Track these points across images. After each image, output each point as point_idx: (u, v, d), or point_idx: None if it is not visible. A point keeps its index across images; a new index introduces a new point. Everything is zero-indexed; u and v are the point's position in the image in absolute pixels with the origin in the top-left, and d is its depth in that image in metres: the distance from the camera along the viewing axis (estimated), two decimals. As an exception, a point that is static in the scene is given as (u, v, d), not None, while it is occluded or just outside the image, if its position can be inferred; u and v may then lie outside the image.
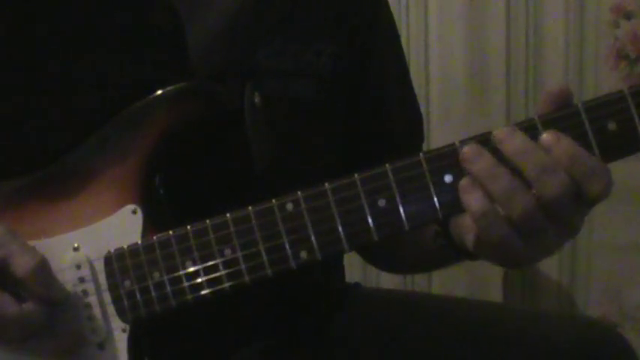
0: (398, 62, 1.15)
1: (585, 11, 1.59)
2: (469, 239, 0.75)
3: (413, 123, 1.16)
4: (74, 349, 0.83)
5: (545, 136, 0.68)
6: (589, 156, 0.68)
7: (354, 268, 1.18)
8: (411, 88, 1.16)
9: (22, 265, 0.78)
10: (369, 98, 1.07)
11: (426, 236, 0.91)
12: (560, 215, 0.69)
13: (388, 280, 1.65)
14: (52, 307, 0.80)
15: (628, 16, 1.57)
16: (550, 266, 1.69)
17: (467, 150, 0.70)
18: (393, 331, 1.08)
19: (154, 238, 0.81)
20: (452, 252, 0.84)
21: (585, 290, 1.68)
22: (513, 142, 0.69)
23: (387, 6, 1.11)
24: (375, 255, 1.17)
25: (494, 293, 1.70)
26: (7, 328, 0.78)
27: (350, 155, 1.04)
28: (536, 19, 1.62)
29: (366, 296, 1.18)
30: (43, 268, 0.79)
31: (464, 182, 0.70)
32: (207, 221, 0.79)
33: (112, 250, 0.83)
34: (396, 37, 1.14)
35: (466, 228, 0.75)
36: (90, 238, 0.84)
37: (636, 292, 1.65)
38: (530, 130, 0.69)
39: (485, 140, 0.70)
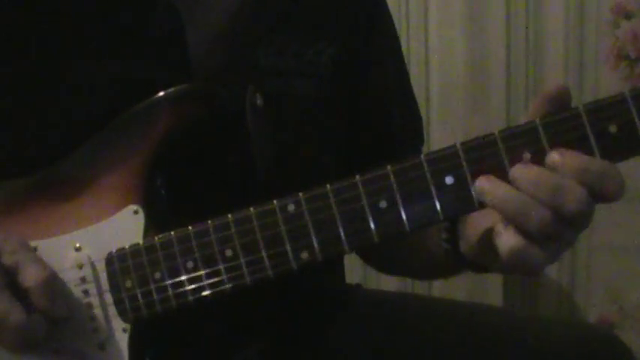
0: (397, 63, 1.15)
1: (585, 11, 1.59)
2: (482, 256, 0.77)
3: (412, 123, 1.16)
4: (75, 349, 0.83)
5: (551, 156, 0.68)
6: (595, 161, 0.68)
7: (355, 269, 1.18)
8: (410, 89, 1.16)
9: (30, 275, 0.78)
10: (369, 98, 1.07)
11: (431, 249, 0.91)
12: (580, 222, 0.70)
13: (389, 282, 1.65)
14: (54, 323, 0.80)
15: (628, 16, 1.57)
16: (550, 267, 1.68)
17: (477, 185, 0.70)
18: (393, 333, 1.08)
19: (156, 238, 0.81)
20: (462, 266, 0.85)
21: (585, 291, 1.68)
22: (528, 177, 0.69)
23: (386, 7, 1.12)
24: (376, 257, 1.17)
25: (494, 294, 1.70)
26: (8, 335, 0.78)
27: (350, 155, 1.04)
28: (536, 19, 1.62)
29: (366, 297, 1.18)
30: (50, 282, 0.79)
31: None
32: (209, 222, 0.79)
33: (114, 251, 0.83)
34: (395, 37, 1.15)
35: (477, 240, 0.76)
36: (92, 239, 0.84)
37: (636, 293, 1.65)
38: (532, 133, 0.69)
39: (487, 143, 0.70)
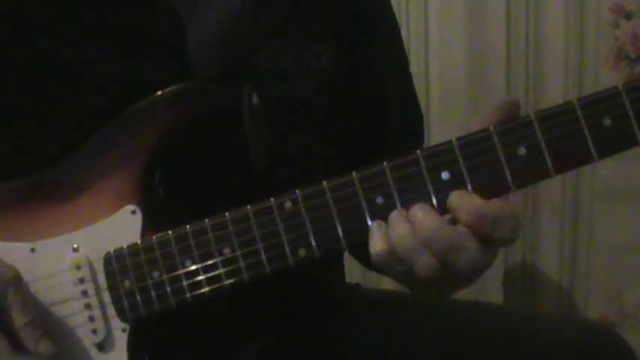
0: (399, 64, 1.14)
1: (585, 11, 1.59)
2: None
3: (413, 124, 1.16)
4: (74, 349, 0.83)
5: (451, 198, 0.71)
6: (489, 204, 0.70)
7: (354, 269, 1.18)
8: (412, 89, 1.16)
9: (16, 319, 0.79)
10: (369, 100, 1.07)
11: None
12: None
13: (388, 281, 1.65)
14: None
15: (628, 16, 1.57)
16: (550, 266, 1.69)
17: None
18: (393, 332, 1.08)
19: (154, 238, 0.81)
20: None
21: (585, 290, 1.68)
22: (423, 222, 0.71)
23: (389, 7, 1.11)
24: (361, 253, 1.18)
25: (494, 293, 1.70)
26: None
27: (349, 156, 1.04)
28: (536, 19, 1.62)
29: (366, 297, 1.18)
30: (33, 326, 0.80)
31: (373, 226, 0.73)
32: (206, 221, 0.79)
33: (112, 251, 0.83)
34: (397, 38, 1.14)
35: None
36: (89, 239, 0.84)
37: (636, 292, 1.65)
38: (527, 128, 0.69)
39: (482, 138, 0.70)
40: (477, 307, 1.18)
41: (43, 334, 0.81)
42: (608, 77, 1.60)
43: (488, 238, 0.70)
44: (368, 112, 1.07)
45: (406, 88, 1.15)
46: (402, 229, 0.71)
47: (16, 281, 0.81)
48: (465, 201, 0.70)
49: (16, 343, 0.79)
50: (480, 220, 0.69)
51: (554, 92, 1.63)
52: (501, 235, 0.69)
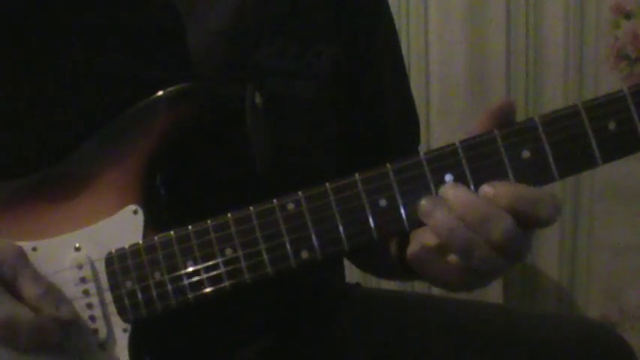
0: (396, 64, 1.15)
1: (585, 11, 1.59)
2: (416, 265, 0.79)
3: (409, 125, 1.16)
4: (75, 349, 0.83)
5: (483, 189, 0.70)
6: (526, 189, 0.69)
7: (354, 268, 1.18)
8: (408, 91, 1.16)
9: (30, 290, 0.79)
10: (367, 99, 1.07)
11: (390, 253, 0.92)
12: (511, 252, 0.71)
13: (388, 281, 1.65)
14: (65, 327, 0.81)
15: (628, 16, 1.58)
16: (550, 266, 1.69)
17: (423, 204, 0.71)
18: (393, 331, 1.08)
19: (155, 238, 0.81)
20: (410, 273, 0.86)
21: (585, 290, 1.68)
22: (456, 197, 0.70)
23: (387, 7, 1.11)
24: (356, 258, 1.18)
25: (494, 293, 1.70)
26: (22, 337, 0.78)
27: (349, 155, 1.04)
28: (536, 19, 1.62)
29: (366, 296, 1.18)
30: (48, 295, 0.80)
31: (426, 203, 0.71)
32: (209, 221, 0.79)
33: (114, 251, 0.83)
34: (395, 38, 1.14)
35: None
36: (91, 239, 0.84)
37: (636, 292, 1.65)
38: (531, 131, 0.69)
39: (486, 141, 0.70)
40: (477, 306, 1.18)
41: (61, 299, 0.81)
42: (608, 77, 1.60)
43: (528, 220, 0.69)
44: (366, 111, 1.07)
45: (403, 89, 1.15)
46: (441, 213, 0.70)
47: (22, 255, 0.81)
48: (499, 189, 0.69)
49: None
50: (519, 202, 0.68)
51: (554, 92, 1.63)
52: (543, 215, 0.68)
